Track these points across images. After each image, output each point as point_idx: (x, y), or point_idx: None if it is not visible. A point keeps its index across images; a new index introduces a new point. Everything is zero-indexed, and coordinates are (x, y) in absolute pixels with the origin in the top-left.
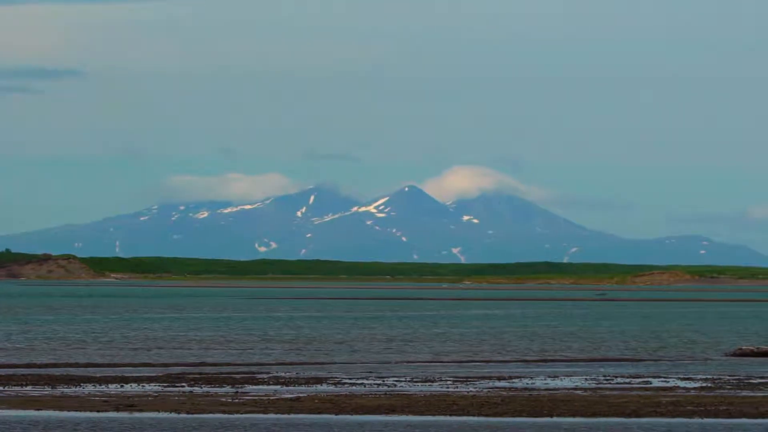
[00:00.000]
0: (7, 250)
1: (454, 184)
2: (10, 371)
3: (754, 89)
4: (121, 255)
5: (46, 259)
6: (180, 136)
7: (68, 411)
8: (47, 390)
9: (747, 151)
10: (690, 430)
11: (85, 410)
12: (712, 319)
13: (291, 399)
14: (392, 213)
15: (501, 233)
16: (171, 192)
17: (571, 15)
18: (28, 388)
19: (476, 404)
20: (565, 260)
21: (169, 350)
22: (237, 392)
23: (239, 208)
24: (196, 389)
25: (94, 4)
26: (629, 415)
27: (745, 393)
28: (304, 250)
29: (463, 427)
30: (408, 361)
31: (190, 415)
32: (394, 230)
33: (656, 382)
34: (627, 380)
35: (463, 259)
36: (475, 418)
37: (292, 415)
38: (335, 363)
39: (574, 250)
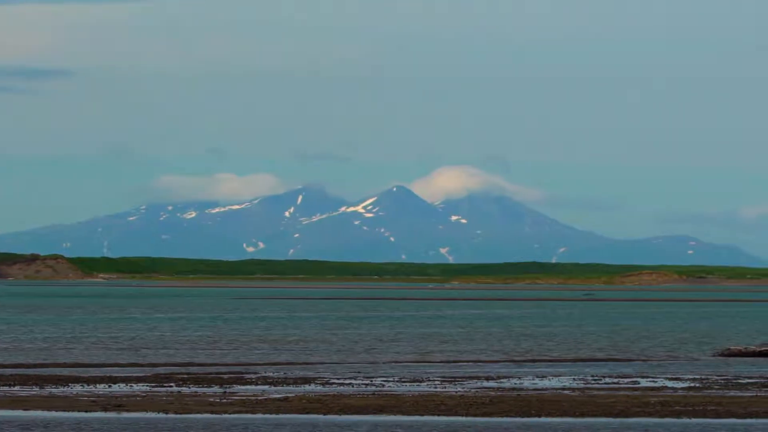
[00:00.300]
0: None
1: (442, 184)
2: None
3: (744, 90)
4: (110, 255)
5: (33, 259)
6: (169, 137)
7: (56, 411)
8: (35, 390)
9: (736, 152)
10: (678, 430)
11: (73, 410)
12: (700, 319)
13: (279, 399)
14: (380, 213)
15: (489, 233)
16: (159, 192)
17: (559, 15)
18: (16, 388)
19: (464, 404)
20: (554, 260)
21: (155, 350)
22: (225, 392)
23: (227, 208)
24: (184, 389)
25: (83, 4)
26: (617, 415)
27: (733, 393)
28: (292, 250)
29: (451, 427)
30: (396, 361)
31: (178, 415)
32: (382, 230)
33: (644, 382)
34: (615, 380)
35: (451, 259)
36: (464, 418)
37: (281, 415)
38: (323, 363)
39: (562, 250)
